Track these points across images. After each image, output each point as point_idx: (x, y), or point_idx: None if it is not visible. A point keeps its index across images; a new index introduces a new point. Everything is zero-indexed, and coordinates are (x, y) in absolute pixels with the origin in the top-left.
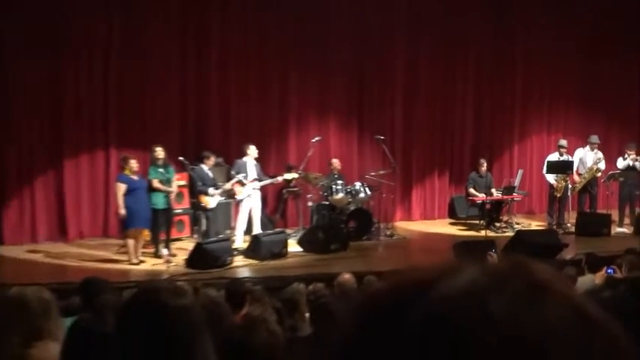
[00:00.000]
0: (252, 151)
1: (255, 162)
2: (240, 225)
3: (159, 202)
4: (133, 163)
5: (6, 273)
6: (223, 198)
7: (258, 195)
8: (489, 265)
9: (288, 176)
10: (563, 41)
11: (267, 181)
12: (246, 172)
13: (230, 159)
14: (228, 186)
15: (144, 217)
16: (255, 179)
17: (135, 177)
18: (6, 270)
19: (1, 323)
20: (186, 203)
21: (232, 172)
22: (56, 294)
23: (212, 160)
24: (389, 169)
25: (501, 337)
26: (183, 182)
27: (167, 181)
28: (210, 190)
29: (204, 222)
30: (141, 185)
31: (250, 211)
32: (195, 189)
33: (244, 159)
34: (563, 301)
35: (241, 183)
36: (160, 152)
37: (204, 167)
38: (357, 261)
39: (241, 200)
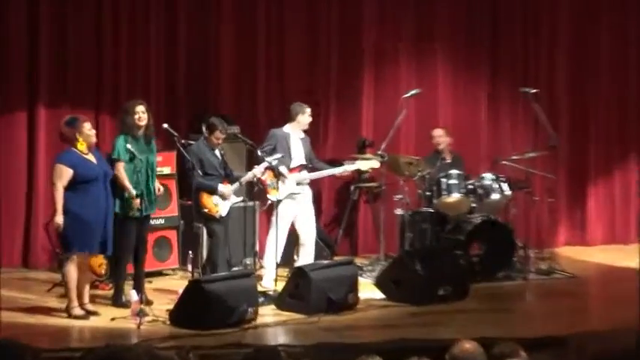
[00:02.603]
0: (303, 116)
1: (303, 135)
2: (273, 249)
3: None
4: (88, 130)
5: None
6: (241, 199)
7: (308, 195)
8: None
9: (363, 165)
10: None
11: (325, 172)
12: (287, 153)
13: (256, 131)
14: (251, 176)
15: (98, 232)
16: (302, 166)
17: (90, 157)
18: None
19: None
20: (173, 208)
21: (260, 152)
22: None
23: (220, 132)
24: (545, 151)
25: None
26: (167, 170)
27: (150, 165)
28: (221, 187)
29: (205, 242)
30: (99, 172)
31: (294, 222)
32: (192, 182)
33: (285, 129)
34: None
35: (276, 172)
36: (142, 115)
37: (207, 145)
38: (485, 318)
39: (276, 203)
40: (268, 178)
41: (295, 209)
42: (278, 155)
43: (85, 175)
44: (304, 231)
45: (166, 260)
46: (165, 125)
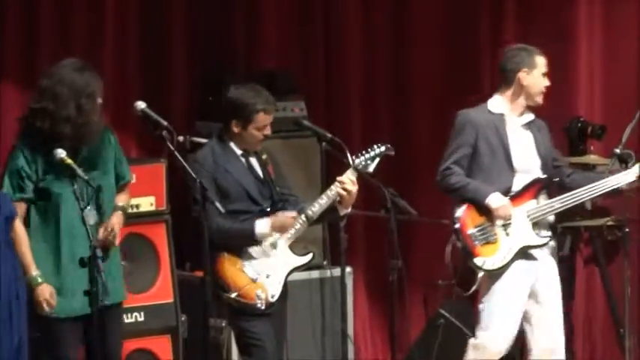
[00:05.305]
0: (535, 72)
1: (531, 118)
2: None
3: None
4: None
5: None
6: (309, 258)
7: (550, 252)
8: None
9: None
10: None
11: (589, 190)
12: (502, 158)
13: (341, 111)
14: (327, 200)
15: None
16: (539, 184)
17: None
18: None
19: None
20: (162, 290)
21: (450, 173)
22: None
23: (264, 115)
24: None
25: None
26: (148, 205)
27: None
28: (261, 225)
29: None
30: None
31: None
32: (204, 230)
33: (493, 106)
34: None
35: (473, 202)
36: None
37: (232, 147)
38: None
39: (492, 275)
40: (471, 218)
41: (528, 283)
42: (377, 151)
43: None
44: (545, 332)
45: None
46: (141, 105)
